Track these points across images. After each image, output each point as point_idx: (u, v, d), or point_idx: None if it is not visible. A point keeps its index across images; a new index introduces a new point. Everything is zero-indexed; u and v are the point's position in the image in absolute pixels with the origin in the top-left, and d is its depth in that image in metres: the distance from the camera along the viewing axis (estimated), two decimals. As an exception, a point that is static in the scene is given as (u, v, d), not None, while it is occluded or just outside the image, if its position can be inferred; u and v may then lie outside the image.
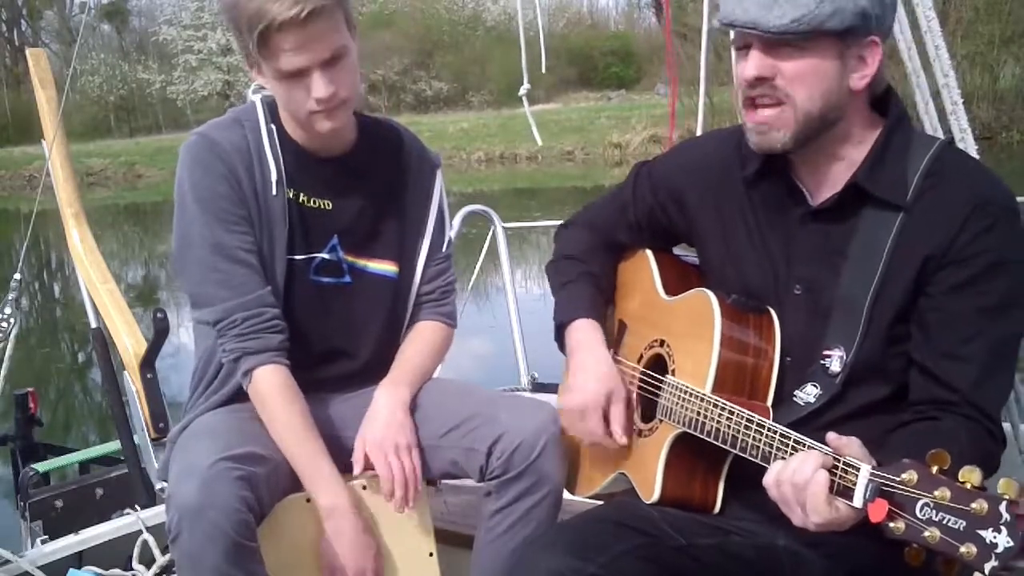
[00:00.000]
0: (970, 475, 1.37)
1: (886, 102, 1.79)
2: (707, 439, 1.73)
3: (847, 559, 1.69)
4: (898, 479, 1.42)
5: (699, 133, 2.72)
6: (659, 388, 1.86)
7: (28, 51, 3.56)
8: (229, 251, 2.04)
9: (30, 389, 3.86)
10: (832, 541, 1.59)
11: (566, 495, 2.08)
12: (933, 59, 1.99)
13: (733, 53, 1.77)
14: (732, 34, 1.75)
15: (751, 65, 1.70)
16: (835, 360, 1.73)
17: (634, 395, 1.96)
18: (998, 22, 21.25)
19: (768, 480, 1.58)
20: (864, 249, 1.73)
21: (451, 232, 2.34)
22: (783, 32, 1.64)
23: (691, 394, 1.77)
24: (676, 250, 2.10)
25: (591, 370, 1.95)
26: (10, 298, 3.29)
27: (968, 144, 2.00)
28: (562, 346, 2.06)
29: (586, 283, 2.06)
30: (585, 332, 2.00)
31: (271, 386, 2.04)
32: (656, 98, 29.84)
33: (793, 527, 1.56)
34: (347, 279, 2.17)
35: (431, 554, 2.14)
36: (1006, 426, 2.08)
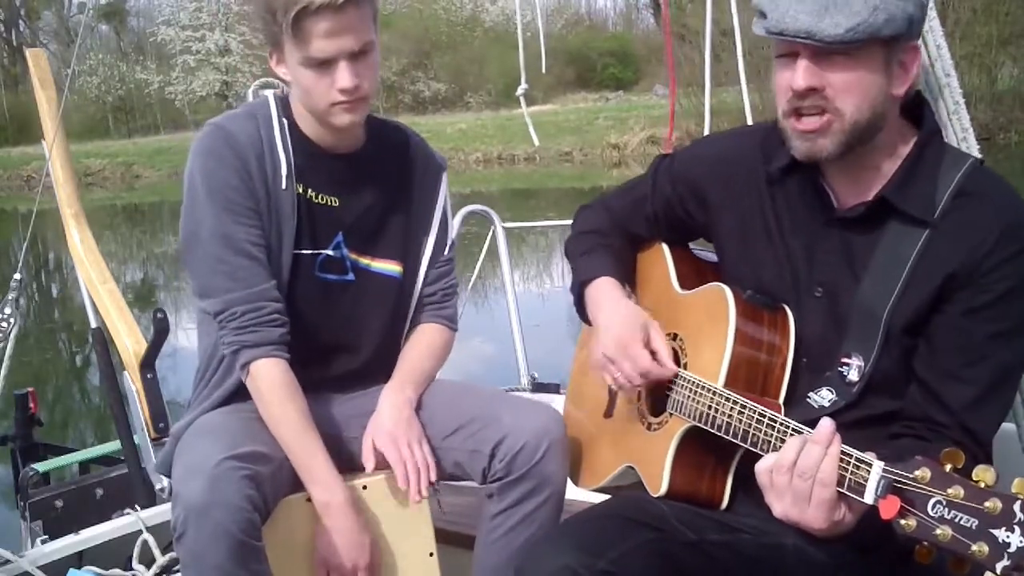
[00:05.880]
0: (984, 474, 1.36)
1: (916, 110, 1.77)
2: (717, 433, 1.72)
3: (856, 559, 1.68)
4: (911, 476, 1.41)
5: (706, 133, 2.70)
6: (672, 382, 1.85)
7: (28, 51, 3.56)
8: (237, 243, 2.03)
9: (30, 389, 3.85)
10: (841, 541, 1.58)
11: (568, 495, 2.07)
12: (935, 59, 1.98)
13: (774, 60, 1.70)
14: (774, 42, 1.68)
15: (800, 76, 1.63)
16: (853, 369, 1.72)
17: (643, 390, 1.94)
18: (996, 23, 21.27)
19: (762, 466, 1.56)
20: (887, 262, 1.71)
21: (452, 233, 2.34)
22: (838, 42, 1.58)
23: (703, 388, 1.76)
24: (692, 246, 2.08)
25: (620, 312, 1.91)
26: (10, 298, 3.28)
27: (971, 144, 1.99)
28: (582, 313, 2.03)
29: (607, 252, 2.03)
30: (608, 288, 1.97)
31: (269, 380, 2.03)
32: (654, 99, 29.86)
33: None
34: (350, 277, 2.17)
35: (431, 554, 2.14)
36: (1010, 426, 2.08)
